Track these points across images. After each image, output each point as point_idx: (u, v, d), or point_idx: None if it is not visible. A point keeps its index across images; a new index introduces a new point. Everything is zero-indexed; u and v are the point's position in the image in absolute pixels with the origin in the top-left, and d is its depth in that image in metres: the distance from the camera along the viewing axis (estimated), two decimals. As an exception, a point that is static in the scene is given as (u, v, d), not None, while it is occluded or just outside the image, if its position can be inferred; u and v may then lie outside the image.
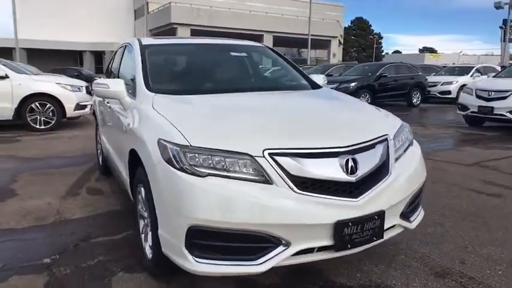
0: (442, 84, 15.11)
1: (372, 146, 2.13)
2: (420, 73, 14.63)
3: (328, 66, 17.05)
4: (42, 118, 7.83)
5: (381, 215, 2.01)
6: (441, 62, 38.47)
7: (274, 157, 1.90)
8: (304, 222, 1.86)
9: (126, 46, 3.67)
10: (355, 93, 12.46)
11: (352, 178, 1.96)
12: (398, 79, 13.67)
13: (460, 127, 8.88)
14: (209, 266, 1.87)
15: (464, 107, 8.72)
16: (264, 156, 1.89)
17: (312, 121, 2.27)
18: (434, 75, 16.92)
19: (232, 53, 3.51)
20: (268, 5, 35.19)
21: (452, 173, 4.80)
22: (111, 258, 2.61)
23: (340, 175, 1.94)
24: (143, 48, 3.18)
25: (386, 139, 2.23)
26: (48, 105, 7.81)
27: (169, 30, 31.14)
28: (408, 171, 2.29)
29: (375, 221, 1.99)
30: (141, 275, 2.39)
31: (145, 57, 3.07)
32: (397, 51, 76.26)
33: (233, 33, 31.89)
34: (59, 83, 8.04)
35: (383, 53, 72.30)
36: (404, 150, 2.40)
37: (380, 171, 2.11)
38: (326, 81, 3.65)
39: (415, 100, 14.12)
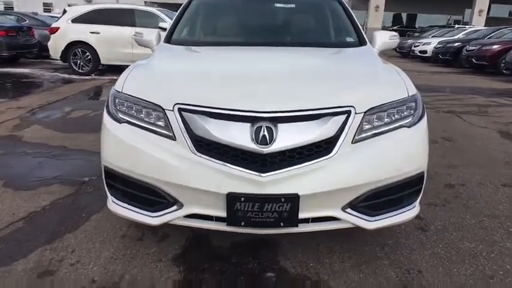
0: None
1: (313, 117, 1.73)
2: None
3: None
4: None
5: (291, 199, 1.67)
6: None
7: (182, 113, 1.78)
8: (196, 186, 1.73)
9: None
10: None
11: (262, 149, 1.67)
12: None
13: None
14: (121, 208, 1.97)
15: None
16: (173, 110, 1.80)
17: (271, 81, 1.93)
18: None
19: (277, 5, 3.22)
20: None
21: None
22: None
23: (248, 144, 1.69)
24: (191, 0, 3.30)
25: (346, 112, 1.76)
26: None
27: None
28: (376, 157, 1.78)
29: (280, 204, 1.68)
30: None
31: (187, 9, 3.20)
32: None
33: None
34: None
35: None
36: (391, 130, 1.85)
37: (315, 149, 1.72)
38: (395, 40, 3.00)
39: None
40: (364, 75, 2.13)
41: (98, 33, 8.91)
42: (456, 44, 15.10)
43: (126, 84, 2.04)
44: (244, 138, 1.69)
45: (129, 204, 1.95)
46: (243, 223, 1.72)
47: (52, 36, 9.14)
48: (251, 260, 2.09)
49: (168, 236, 2.33)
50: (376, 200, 1.82)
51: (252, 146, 1.68)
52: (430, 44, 17.06)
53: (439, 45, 15.94)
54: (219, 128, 1.72)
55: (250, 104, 1.73)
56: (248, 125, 1.71)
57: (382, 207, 1.85)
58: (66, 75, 9.18)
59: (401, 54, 19.94)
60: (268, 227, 1.73)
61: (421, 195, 1.97)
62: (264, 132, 1.68)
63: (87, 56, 9.06)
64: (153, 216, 1.87)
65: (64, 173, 3.32)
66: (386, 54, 17.77)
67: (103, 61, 9.13)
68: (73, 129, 4.68)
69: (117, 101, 1.99)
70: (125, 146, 1.87)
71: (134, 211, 1.92)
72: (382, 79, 2.10)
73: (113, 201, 2.00)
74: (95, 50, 8.98)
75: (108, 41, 8.88)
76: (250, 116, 1.71)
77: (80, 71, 9.16)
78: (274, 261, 2.08)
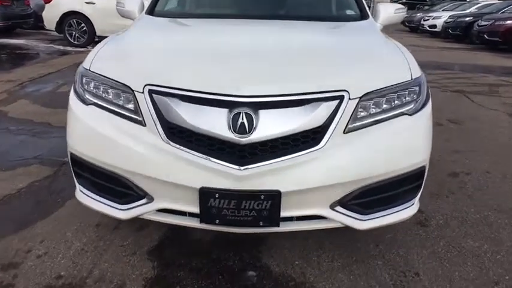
0: None
1: (299, 103, 1.51)
2: None
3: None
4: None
5: (272, 196, 1.48)
6: None
7: (153, 95, 1.56)
8: (165, 179, 1.53)
9: None
10: None
11: (240, 139, 1.46)
12: None
13: None
14: (89, 199, 1.79)
15: None
16: (143, 92, 1.58)
17: (253, 61, 1.70)
18: None
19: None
20: None
21: None
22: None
23: (224, 133, 1.47)
24: None
25: (339, 97, 1.53)
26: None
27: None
28: (371, 149, 1.56)
29: (260, 202, 1.48)
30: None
31: None
32: None
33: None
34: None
35: None
36: (390, 118, 1.62)
37: (302, 140, 1.50)
38: (401, 14, 2.72)
39: None
40: (361, 54, 1.87)
41: (93, 3, 8.53)
42: (467, 18, 14.45)
43: (95, 61, 1.82)
44: (221, 126, 1.47)
45: (97, 195, 1.76)
46: (217, 221, 1.53)
47: (47, 6, 8.78)
48: (232, 255, 1.92)
49: (147, 225, 2.16)
50: (370, 197, 1.61)
51: (229, 135, 1.47)
52: (440, 18, 16.36)
53: (449, 20, 15.29)
54: (193, 114, 1.50)
55: (227, 87, 1.50)
56: (225, 110, 1.49)
57: (377, 204, 1.65)
58: (62, 47, 8.88)
59: (410, 29, 19.30)
60: (245, 226, 1.54)
61: (421, 191, 1.77)
62: (242, 119, 1.46)
63: (82, 27, 8.73)
64: (121, 209, 1.68)
65: (45, 152, 3.14)
66: (394, 29, 17.18)
67: (98, 33, 8.76)
68: (61, 105, 4.45)
69: (84, 80, 1.77)
70: (91, 131, 1.66)
71: (102, 203, 1.74)
72: (382, 59, 1.85)
73: (81, 191, 1.82)
74: (90, 21, 8.64)
75: (104, 11, 8.46)
76: (227, 101, 1.48)
77: (76, 42, 8.84)
78: (257, 258, 1.91)
